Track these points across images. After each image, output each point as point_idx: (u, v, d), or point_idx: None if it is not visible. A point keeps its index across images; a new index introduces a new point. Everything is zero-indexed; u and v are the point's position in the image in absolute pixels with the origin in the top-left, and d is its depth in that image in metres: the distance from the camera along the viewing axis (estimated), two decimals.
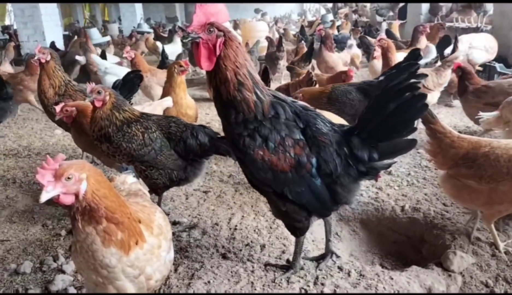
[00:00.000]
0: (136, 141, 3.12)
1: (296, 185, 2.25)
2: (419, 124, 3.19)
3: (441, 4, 10.95)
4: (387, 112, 2.20)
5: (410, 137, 2.28)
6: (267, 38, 10.26)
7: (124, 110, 3.20)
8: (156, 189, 3.29)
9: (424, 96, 2.18)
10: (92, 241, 1.68)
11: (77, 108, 3.71)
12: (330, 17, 20.30)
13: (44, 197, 1.60)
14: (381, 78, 4.12)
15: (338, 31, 14.26)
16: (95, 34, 18.10)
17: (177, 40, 12.24)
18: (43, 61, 4.40)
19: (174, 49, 11.60)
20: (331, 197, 2.33)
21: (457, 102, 6.54)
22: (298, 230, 2.49)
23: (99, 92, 3.11)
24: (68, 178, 1.62)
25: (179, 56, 7.32)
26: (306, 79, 5.29)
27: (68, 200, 1.66)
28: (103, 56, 8.96)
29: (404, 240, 3.28)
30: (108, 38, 18.61)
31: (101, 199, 1.68)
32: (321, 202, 2.32)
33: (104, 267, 1.72)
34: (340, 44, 10.20)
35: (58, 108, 3.67)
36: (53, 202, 1.66)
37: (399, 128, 2.24)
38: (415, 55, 4.05)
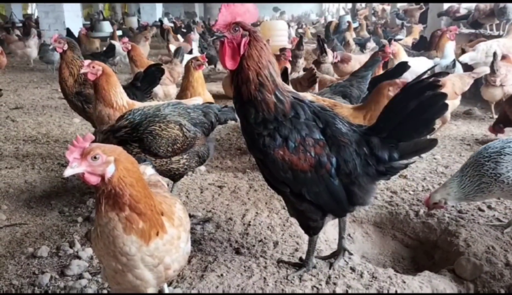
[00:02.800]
0: (179, 140, 3.15)
1: (314, 185, 2.27)
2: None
3: (455, 5, 10.83)
4: (407, 111, 2.23)
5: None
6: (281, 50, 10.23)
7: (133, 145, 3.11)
8: (182, 175, 3.40)
9: (445, 95, 2.20)
10: (113, 226, 1.71)
11: (104, 69, 3.72)
12: (348, 18, 20.20)
13: (68, 172, 1.63)
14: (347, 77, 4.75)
15: (357, 34, 14.19)
16: (106, 27, 18.22)
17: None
18: (59, 50, 4.48)
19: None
20: (348, 198, 2.34)
21: (475, 110, 6.50)
22: (312, 229, 2.50)
23: (95, 157, 3.06)
24: (95, 157, 1.64)
25: (177, 50, 7.29)
26: (308, 77, 5.18)
27: (93, 180, 1.67)
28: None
29: (417, 245, 3.27)
30: (119, 32, 18.68)
31: (126, 186, 1.70)
32: (338, 202, 2.34)
33: (124, 255, 1.74)
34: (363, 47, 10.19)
35: (86, 62, 3.73)
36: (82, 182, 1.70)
37: (419, 128, 2.27)
38: (402, 68, 4.44)
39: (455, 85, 5.13)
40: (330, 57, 7.96)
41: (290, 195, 2.35)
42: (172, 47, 9.06)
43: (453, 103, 5.11)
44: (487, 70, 5.70)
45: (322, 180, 2.26)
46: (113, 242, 1.73)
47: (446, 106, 2.23)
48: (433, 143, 2.38)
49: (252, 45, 2.18)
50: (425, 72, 2.72)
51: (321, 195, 2.30)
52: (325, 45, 8.00)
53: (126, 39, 7.14)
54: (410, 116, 2.23)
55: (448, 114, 5.11)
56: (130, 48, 6.83)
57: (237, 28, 2.16)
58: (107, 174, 1.67)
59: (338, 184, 2.29)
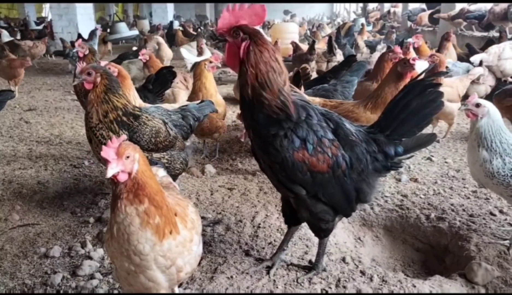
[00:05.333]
0: (162, 134, 3.18)
1: (330, 186, 2.30)
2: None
3: (466, 7, 10.79)
4: (410, 109, 2.38)
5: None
6: (292, 43, 10.22)
7: (120, 94, 3.06)
8: (176, 178, 3.44)
9: (443, 92, 2.39)
10: (130, 222, 1.75)
11: (119, 72, 3.77)
12: (362, 21, 20.13)
13: (110, 173, 1.69)
14: (332, 81, 4.81)
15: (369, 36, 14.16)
16: (123, 29, 18.41)
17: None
18: (81, 55, 4.66)
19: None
20: (356, 195, 2.40)
21: None
22: (323, 231, 2.51)
23: (89, 73, 2.92)
24: (127, 157, 1.72)
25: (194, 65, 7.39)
26: (301, 74, 5.06)
27: (124, 177, 1.74)
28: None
29: (428, 249, 3.25)
30: (136, 32, 18.89)
31: (147, 179, 1.78)
32: (349, 201, 2.39)
33: (137, 254, 1.77)
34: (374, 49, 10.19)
35: (103, 63, 3.79)
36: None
37: (420, 123, 2.43)
38: (350, 62, 4.85)
39: (458, 88, 5.15)
40: (338, 57, 8.00)
41: (306, 197, 2.35)
42: (184, 51, 9.07)
43: (457, 106, 5.11)
44: (481, 71, 5.98)
45: (337, 180, 2.30)
46: (128, 240, 1.76)
47: (443, 103, 2.41)
48: (433, 137, 2.57)
49: (251, 48, 2.16)
50: (423, 72, 2.83)
51: (335, 195, 2.34)
52: (335, 45, 8.05)
53: (143, 51, 7.19)
54: (412, 113, 2.38)
55: (454, 118, 5.16)
56: (148, 59, 6.85)
57: (237, 33, 2.17)
58: (134, 171, 1.75)
59: (350, 183, 2.34)
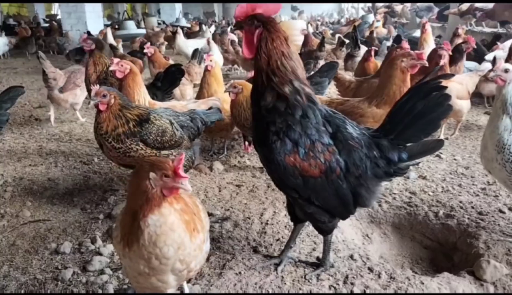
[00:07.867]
0: (168, 133, 3.25)
1: (323, 190, 2.28)
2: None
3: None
4: (415, 112, 2.29)
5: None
6: (304, 32, 10.11)
7: (132, 107, 3.21)
8: None
9: (450, 96, 2.29)
10: (164, 222, 1.77)
11: (131, 68, 3.83)
12: (372, 17, 20.02)
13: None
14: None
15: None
16: (131, 27, 18.54)
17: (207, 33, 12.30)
18: (87, 49, 4.68)
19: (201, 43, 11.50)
20: (354, 200, 2.36)
21: None
22: (323, 230, 2.53)
23: (104, 96, 3.04)
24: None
25: (195, 52, 7.41)
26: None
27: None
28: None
29: (436, 247, 3.25)
30: (144, 30, 18.99)
31: None
32: (345, 205, 2.36)
33: (159, 258, 1.79)
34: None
35: (115, 61, 3.84)
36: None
37: (426, 128, 2.34)
38: (331, 66, 4.72)
39: (468, 85, 5.10)
40: (362, 51, 7.97)
41: (298, 199, 2.36)
42: (191, 50, 9.13)
43: (467, 103, 5.08)
44: (489, 66, 5.89)
45: (332, 184, 2.27)
46: (155, 242, 1.76)
47: (451, 107, 2.31)
48: (440, 143, 2.46)
49: (264, 36, 2.20)
50: (430, 73, 2.77)
51: (329, 199, 2.32)
52: (359, 39, 8.04)
53: (148, 44, 7.23)
54: (417, 117, 2.30)
55: (463, 115, 5.15)
56: (153, 52, 6.90)
57: (252, 21, 2.22)
58: None
59: (346, 187, 2.30)
